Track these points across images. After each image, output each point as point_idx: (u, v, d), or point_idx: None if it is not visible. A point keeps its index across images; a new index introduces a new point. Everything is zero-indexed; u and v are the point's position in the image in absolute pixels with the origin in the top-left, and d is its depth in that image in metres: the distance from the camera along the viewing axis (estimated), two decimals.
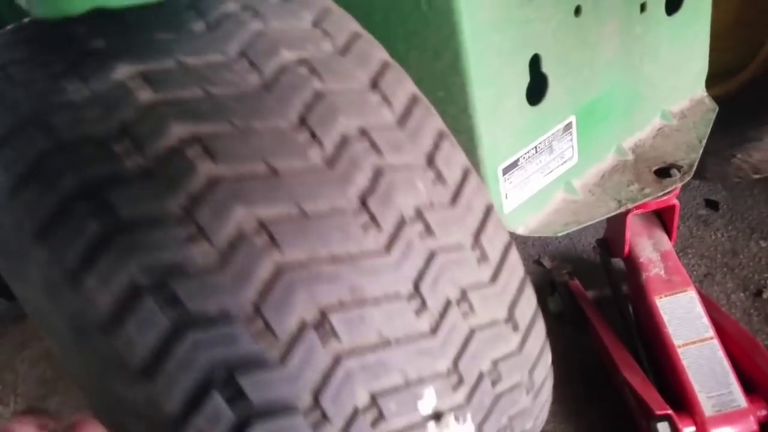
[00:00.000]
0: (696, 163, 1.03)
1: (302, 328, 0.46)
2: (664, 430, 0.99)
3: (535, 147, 0.90)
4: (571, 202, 0.98)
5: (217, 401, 0.43)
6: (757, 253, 1.53)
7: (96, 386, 0.54)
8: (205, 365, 0.43)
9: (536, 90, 0.87)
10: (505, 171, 0.88)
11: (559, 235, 0.94)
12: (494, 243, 0.59)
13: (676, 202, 1.11)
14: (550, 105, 0.89)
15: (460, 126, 0.81)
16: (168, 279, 0.43)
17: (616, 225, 1.16)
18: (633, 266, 1.16)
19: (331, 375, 0.47)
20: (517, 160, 0.89)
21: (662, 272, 1.12)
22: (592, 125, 0.98)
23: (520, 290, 0.61)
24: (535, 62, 0.85)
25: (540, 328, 0.64)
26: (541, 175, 0.94)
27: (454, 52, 0.77)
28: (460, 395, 0.54)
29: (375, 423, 0.48)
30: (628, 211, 1.05)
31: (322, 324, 0.47)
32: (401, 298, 0.51)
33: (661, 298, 1.09)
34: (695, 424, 1.00)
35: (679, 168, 1.03)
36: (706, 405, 1.00)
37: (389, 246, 0.51)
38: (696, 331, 1.05)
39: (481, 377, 0.56)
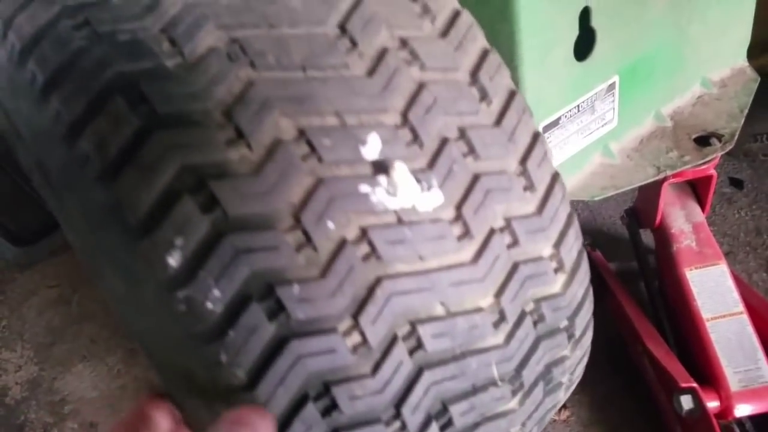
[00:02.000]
0: (737, 133, 1.00)
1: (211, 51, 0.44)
2: (688, 404, 0.98)
3: (578, 106, 0.87)
4: (608, 165, 0.95)
5: None
6: None
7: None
8: None
9: (583, 45, 0.83)
10: (546, 129, 0.85)
11: (596, 199, 0.91)
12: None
13: (713, 172, 1.08)
14: (597, 62, 0.85)
15: None
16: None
17: (648, 194, 1.13)
18: (663, 237, 1.14)
19: (244, 96, 0.43)
20: (559, 118, 0.85)
21: (694, 244, 1.09)
22: (633, 88, 0.94)
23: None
24: (584, 15, 0.81)
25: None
26: (581, 136, 0.90)
27: None
28: (422, 160, 0.48)
29: (306, 158, 0.43)
30: (664, 180, 1.02)
31: (233, 46, 0.44)
32: (329, 37, 0.47)
33: (691, 270, 1.07)
34: (720, 398, 0.98)
35: (719, 137, 0.99)
36: (733, 380, 0.98)
37: None
38: (726, 304, 1.03)
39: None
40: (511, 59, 0.76)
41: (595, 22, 0.82)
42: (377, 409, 0.45)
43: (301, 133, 0.44)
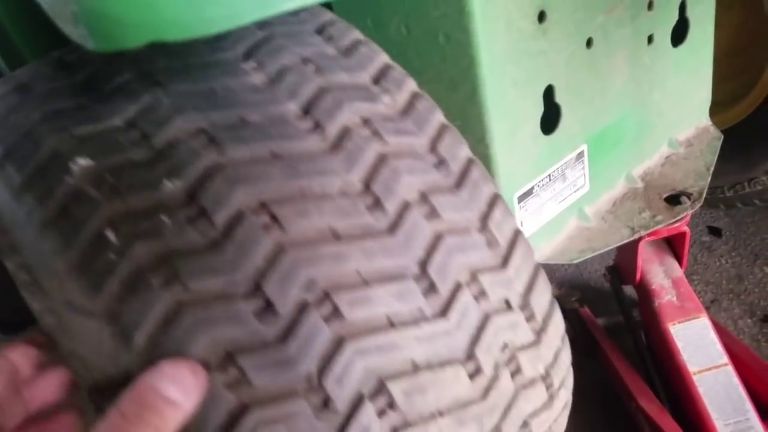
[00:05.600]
0: (705, 190, 1.05)
1: None
2: None
3: (549, 175, 0.91)
4: (584, 229, 0.99)
5: None
6: (762, 278, 1.54)
7: None
8: None
9: (549, 119, 0.88)
10: (521, 199, 0.89)
11: (575, 261, 0.94)
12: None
13: (686, 229, 1.12)
14: (563, 134, 0.90)
15: (477, 154, 0.81)
16: None
17: (627, 252, 1.17)
18: (645, 293, 1.17)
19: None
20: (532, 188, 0.90)
21: (674, 299, 1.12)
22: (602, 153, 0.99)
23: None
24: (548, 93, 0.86)
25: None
26: (555, 203, 0.95)
27: (471, 83, 0.78)
28: None
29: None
30: (640, 239, 1.06)
31: None
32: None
33: (674, 324, 1.09)
34: None
35: (689, 195, 1.04)
36: None
37: None
38: (710, 357, 1.05)
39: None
40: (482, 138, 0.81)
41: (559, 98, 0.87)
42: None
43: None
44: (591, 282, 1.62)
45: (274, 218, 0.46)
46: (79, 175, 0.46)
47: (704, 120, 1.20)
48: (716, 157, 1.12)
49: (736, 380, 1.03)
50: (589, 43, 0.89)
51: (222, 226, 0.45)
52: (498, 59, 0.77)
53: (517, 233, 0.60)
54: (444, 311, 0.51)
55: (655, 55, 1.02)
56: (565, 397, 0.64)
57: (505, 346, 0.55)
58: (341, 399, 0.44)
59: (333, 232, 0.48)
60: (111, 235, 0.44)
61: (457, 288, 0.53)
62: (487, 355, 0.53)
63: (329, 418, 0.43)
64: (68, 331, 0.52)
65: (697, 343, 1.07)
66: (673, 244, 1.20)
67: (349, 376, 0.45)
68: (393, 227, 0.51)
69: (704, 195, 1.04)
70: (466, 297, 0.53)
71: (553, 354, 0.61)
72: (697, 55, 1.12)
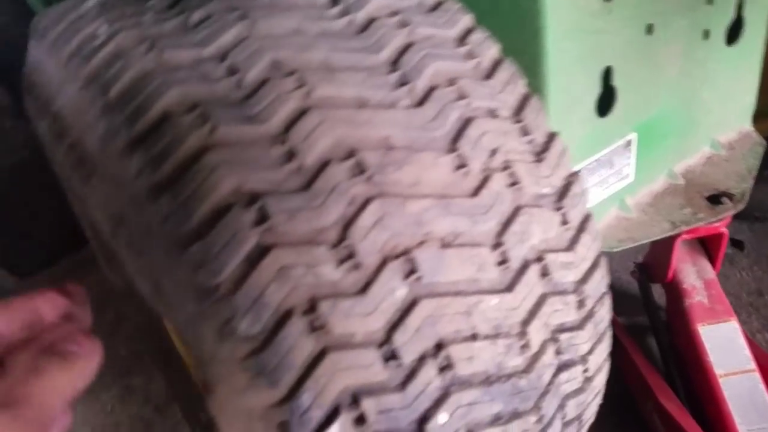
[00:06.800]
0: (748, 193, 1.03)
1: None
2: None
3: (597, 159, 0.90)
4: (624, 219, 0.98)
5: None
6: None
7: None
8: None
9: (604, 102, 0.87)
10: None
11: (615, 250, 0.93)
12: None
13: (725, 230, 1.10)
14: (616, 119, 0.89)
15: None
16: None
17: (660, 249, 1.15)
18: (675, 292, 1.15)
19: None
20: (580, 170, 0.88)
21: (705, 300, 1.11)
22: (647, 145, 0.98)
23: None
24: (605, 75, 0.85)
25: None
26: (600, 189, 0.93)
27: (533, 54, 0.76)
28: None
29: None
30: (677, 235, 1.04)
31: None
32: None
33: (703, 326, 1.08)
34: None
35: (730, 196, 1.03)
36: None
37: None
38: (738, 361, 1.04)
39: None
40: None
41: (617, 81, 0.86)
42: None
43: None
44: (612, 281, 1.60)
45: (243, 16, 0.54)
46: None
47: (747, 125, 1.18)
48: (759, 163, 1.11)
49: (762, 386, 1.01)
50: (649, 29, 0.87)
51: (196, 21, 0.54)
52: (562, 32, 0.76)
53: (502, 58, 0.63)
54: (420, 102, 0.54)
55: (709, 51, 1.01)
56: (591, 245, 0.62)
57: (495, 150, 0.55)
58: (309, 156, 0.48)
59: (299, 30, 0.54)
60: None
61: (433, 87, 0.55)
62: (473, 151, 0.54)
63: (293, 170, 0.47)
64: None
65: (725, 346, 1.05)
66: (708, 246, 1.18)
67: (317, 139, 0.48)
68: (360, 30, 0.57)
69: (747, 197, 1.02)
70: (443, 95, 0.55)
71: (561, 181, 0.59)
72: (748, 57, 1.10)
